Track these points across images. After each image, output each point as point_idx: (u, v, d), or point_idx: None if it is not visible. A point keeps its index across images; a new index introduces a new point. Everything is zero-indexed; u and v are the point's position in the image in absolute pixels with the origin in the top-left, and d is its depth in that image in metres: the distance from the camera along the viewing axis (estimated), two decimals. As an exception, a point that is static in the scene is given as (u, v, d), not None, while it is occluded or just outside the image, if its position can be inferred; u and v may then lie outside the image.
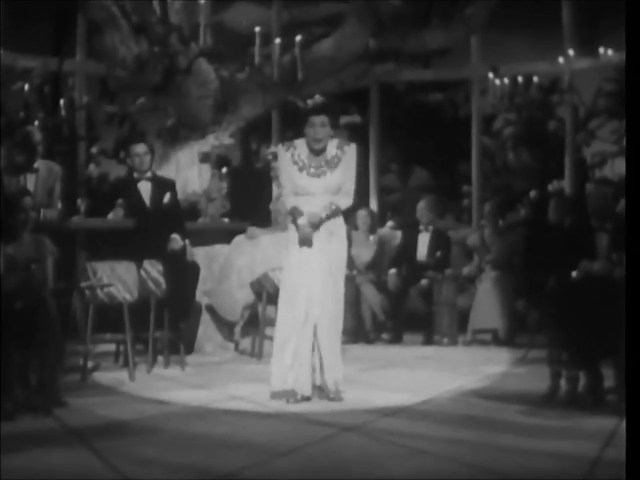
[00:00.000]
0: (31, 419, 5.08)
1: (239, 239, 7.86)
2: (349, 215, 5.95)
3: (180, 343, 6.99)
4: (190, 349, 7.52)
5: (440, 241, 9.01)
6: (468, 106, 11.38)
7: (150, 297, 6.77)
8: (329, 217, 5.59)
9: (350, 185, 5.67)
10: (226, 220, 8.55)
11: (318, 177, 5.61)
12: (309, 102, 5.83)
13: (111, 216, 7.26)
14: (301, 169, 5.62)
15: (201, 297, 7.68)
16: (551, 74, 10.42)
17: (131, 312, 6.56)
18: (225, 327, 7.89)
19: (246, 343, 7.82)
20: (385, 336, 8.93)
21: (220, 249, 8.03)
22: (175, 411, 5.42)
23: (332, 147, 5.67)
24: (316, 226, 5.57)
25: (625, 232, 4.57)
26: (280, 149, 5.80)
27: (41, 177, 7.02)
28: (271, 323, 7.07)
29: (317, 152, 5.64)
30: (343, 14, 9.00)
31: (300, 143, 5.68)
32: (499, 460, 4.21)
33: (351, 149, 5.69)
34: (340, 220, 5.76)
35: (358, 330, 8.74)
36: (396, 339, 8.78)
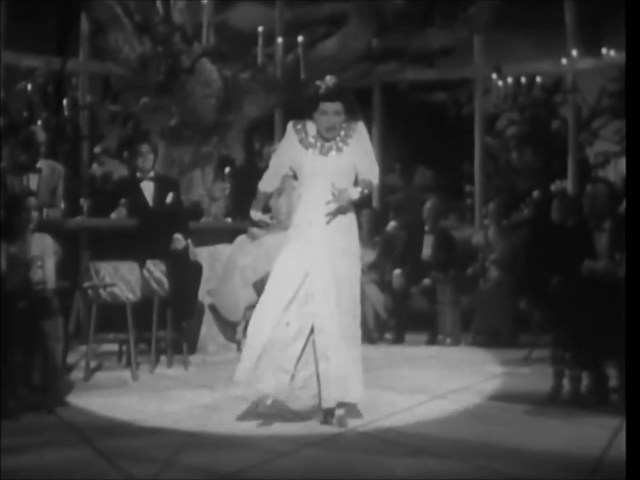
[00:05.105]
0: (34, 418, 5.08)
1: (241, 238, 7.85)
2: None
3: (183, 342, 6.99)
4: (193, 349, 7.52)
5: (446, 242, 8.99)
6: (471, 105, 11.40)
7: (153, 297, 6.77)
8: (362, 194, 5.00)
9: (371, 158, 5.05)
10: (229, 220, 8.55)
11: (325, 155, 5.01)
12: (320, 84, 5.06)
13: (113, 215, 7.26)
14: (306, 147, 5.07)
15: (203, 297, 7.69)
16: (554, 74, 10.43)
17: (133, 312, 6.55)
18: (228, 326, 7.88)
19: (248, 343, 7.81)
20: (387, 336, 8.92)
21: (223, 249, 8.03)
22: (178, 410, 5.41)
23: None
24: (345, 205, 5.00)
25: (625, 232, 4.56)
26: (289, 125, 5.20)
27: (43, 176, 7.00)
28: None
29: (328, 139, 5.04)
30: (346, 13, 9.00)
31: (311, 125, 5.10)
32: (502, 459, 4.21)
33: (360, 126, 5.06)
34: (354, 230, 5.45)
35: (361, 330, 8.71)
36: (399, 339, 8.77)
